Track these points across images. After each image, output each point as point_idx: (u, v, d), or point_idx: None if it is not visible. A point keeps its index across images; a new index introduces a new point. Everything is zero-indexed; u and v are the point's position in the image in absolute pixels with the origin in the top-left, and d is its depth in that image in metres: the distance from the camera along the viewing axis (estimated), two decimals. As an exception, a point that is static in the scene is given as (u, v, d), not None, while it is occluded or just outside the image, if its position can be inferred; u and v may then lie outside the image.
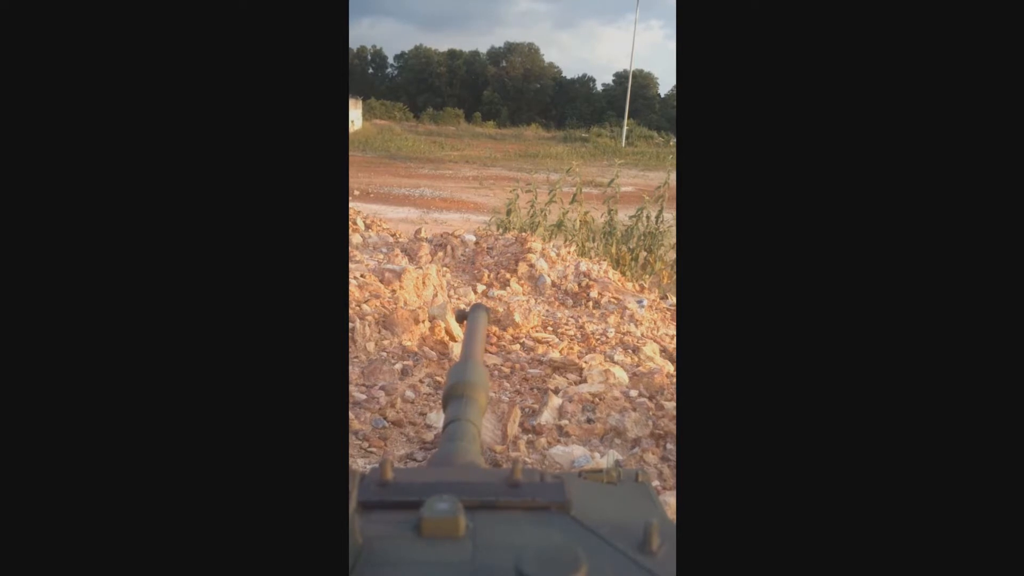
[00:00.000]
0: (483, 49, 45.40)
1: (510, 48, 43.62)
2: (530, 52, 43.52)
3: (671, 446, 1.36)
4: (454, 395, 0.57)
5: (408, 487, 0.38)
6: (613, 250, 5.15)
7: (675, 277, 5.10)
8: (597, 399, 1.62)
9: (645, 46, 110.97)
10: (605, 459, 1.29)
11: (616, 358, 2.17)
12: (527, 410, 1.62)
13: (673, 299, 3.48)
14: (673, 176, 5.88)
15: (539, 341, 2.43)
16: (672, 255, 5.31)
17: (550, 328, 2.64)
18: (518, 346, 2.36)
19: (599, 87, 43.15)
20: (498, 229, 5.02)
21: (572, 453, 1.31)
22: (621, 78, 38.85)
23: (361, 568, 0.31)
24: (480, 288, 3.16)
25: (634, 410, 1.53)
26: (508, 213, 5.47)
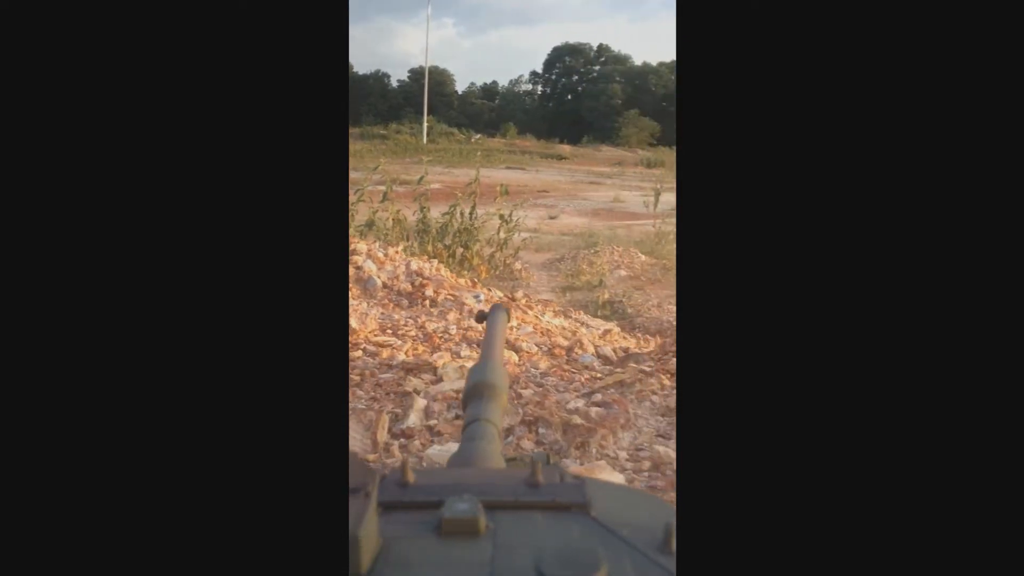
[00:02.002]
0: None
1: (296, 41, 41.37)
2: (318, 45, 41.65)
3: (544, 430, 1.44)
4: (474, 395, 0.56)
5: (428, 487, 0.37)
6: (429, 247, 5.19)
7: (492, 272, 5.33)
8: (460, 394, 1.66)
9: (440, 43, 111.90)
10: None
11: (463, 354, 2.22)
12: (391, 415, 1.61)
13: (499, 292, 3.62)
14: (482, 172, 6.07)
15: (381, 345, 2.40)
16: (488, 250, 5.49)
17: (389, 331, 2.61)
18: (360, 352, 2.31)
19: (394, 83, 42.83)
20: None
21: (449, 450, 1.33)
22: (417, 75, 38.90)
23: (381, 568, 0.30)
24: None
25: (498, 402, 1.59)
26: (314, 214, 5.22)
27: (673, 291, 5.08)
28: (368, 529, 0.30)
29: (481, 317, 0.76)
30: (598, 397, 1.77)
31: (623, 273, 5.47)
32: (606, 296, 4.56)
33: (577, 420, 1.51)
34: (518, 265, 5.59)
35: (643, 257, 5.92)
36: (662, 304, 4.60)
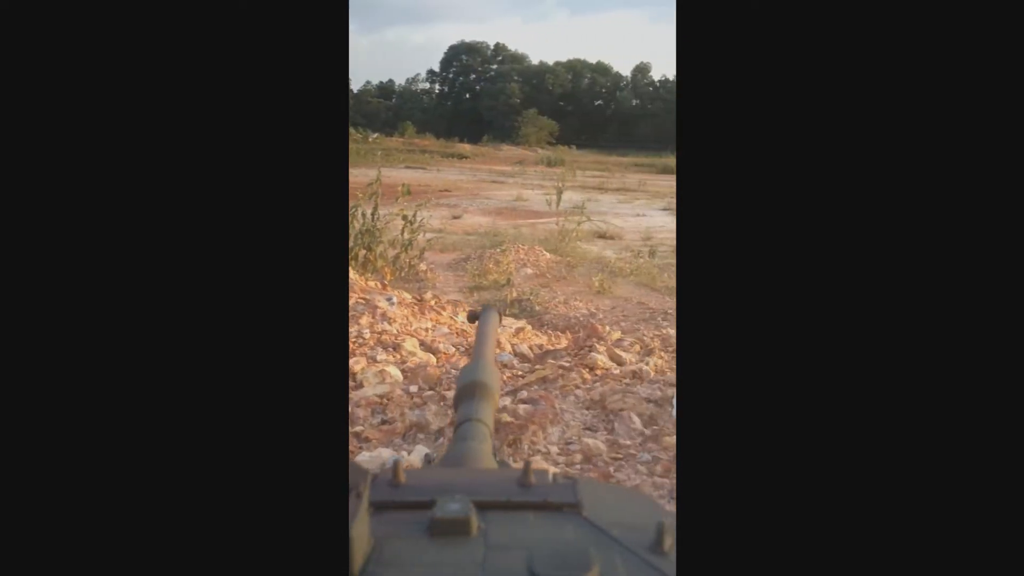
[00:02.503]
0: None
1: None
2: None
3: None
4: (466, 395, 0.56)
5: (420, 487, 0.37)
6: (332, 249, 5.02)
7: (397, 273, 5.24)
8: (385, 399, 1.63)
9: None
10: (414, 455, 1.32)
11: (379, 358, 2.17)
12: (312, 423, 1.55)
13: (407, 294, 3.58)
14: (383, 172, 5.96)
15: (291, 351, 2.30)
16: (392, 252, 5.39)
17: (299, 336, 2.52)
18: (270, 359, 2.21)
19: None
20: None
21: (381, 456, 1.31)
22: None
23: (373, 568, 0.31)
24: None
25: (424, 403, 1.57)
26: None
27: (577, 287, 5.22)
28: (360, 529, 0.30)
29: (472, 317, 0.76)
30: (524, 394, 1.79)
31: (529, 271, 5.55)
32: (514, 295, 4.61)
33: (507, 418, 1.52)
34: (423, 266, 5.54)
35: (548, 255, 6.03)
36: (568, 301, 4.70)
